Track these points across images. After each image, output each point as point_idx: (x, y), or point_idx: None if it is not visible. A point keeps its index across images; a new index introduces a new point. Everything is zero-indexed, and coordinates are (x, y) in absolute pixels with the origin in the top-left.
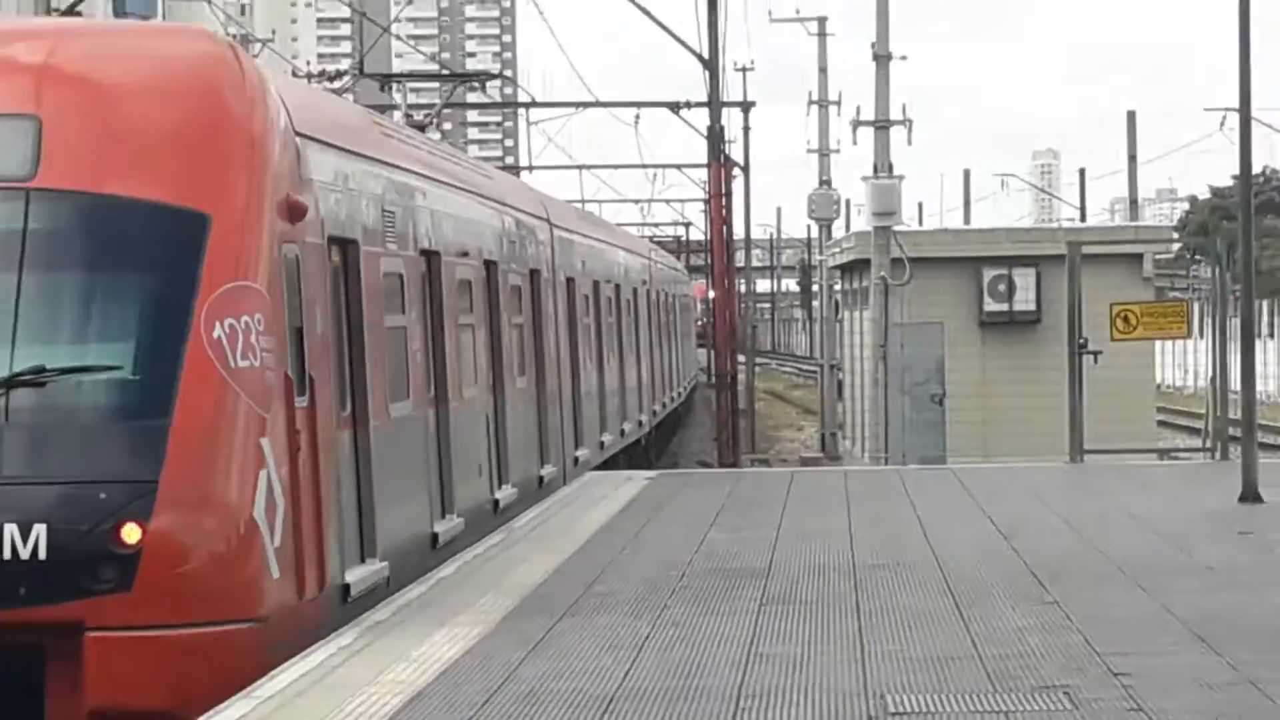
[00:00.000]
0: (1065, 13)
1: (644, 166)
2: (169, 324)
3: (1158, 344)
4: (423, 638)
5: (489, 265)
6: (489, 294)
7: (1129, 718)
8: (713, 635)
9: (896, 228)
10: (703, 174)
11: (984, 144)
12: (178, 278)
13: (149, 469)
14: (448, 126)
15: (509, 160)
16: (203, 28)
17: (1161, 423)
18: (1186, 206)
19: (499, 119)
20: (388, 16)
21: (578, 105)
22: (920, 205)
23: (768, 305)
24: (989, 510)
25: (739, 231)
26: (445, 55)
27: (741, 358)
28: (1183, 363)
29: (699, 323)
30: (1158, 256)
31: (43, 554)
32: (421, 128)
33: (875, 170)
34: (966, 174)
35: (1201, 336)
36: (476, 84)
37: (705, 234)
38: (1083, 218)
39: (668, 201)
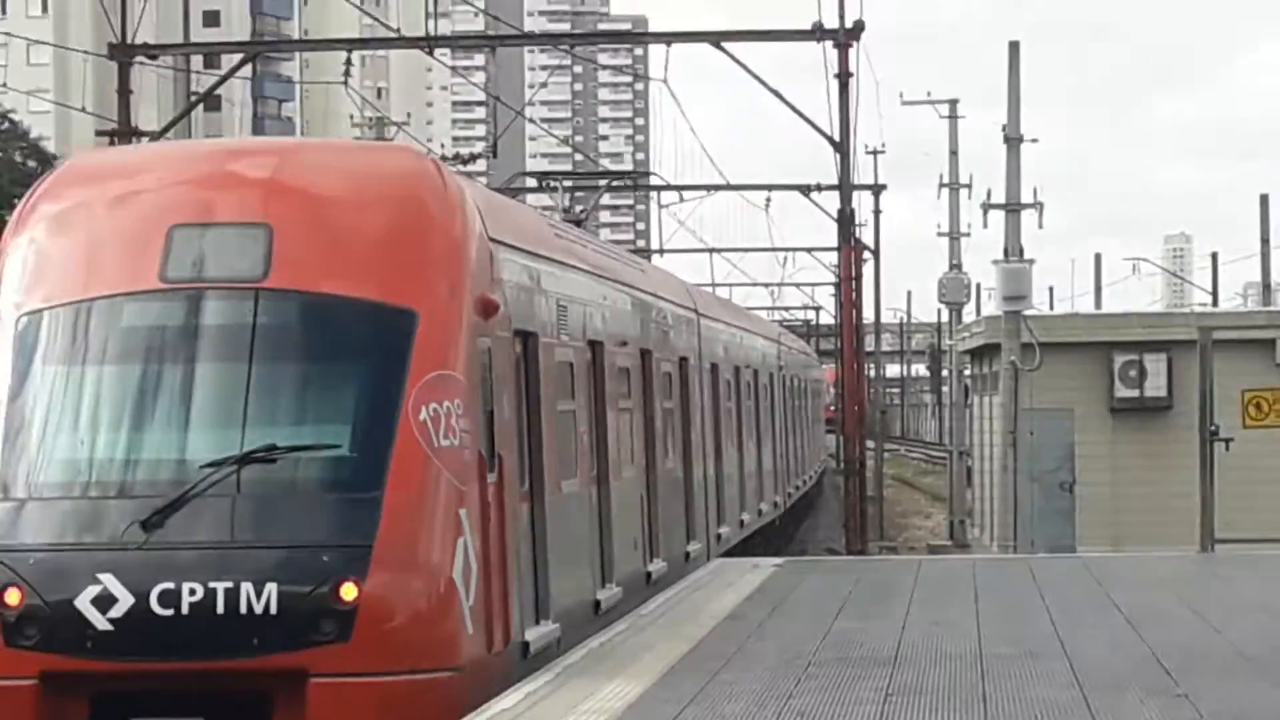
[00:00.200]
0: (1198, 94)
1: (774, 250)
2: (382, 408)
3: None
4: None
5: (644, 354)
6: (644, 380)
7: None
8: None
9: (1027, 312)
10: (833, 257)
11: (1115, 227)
12: (390, 367)
13: (364, 535)
14: (580, 209)
15: (640, 243)
16: (409, 145)
17: None
18: None
19: (631, 202)
20: (522, 99)
21: (709, 188)
22: (1051, 289)
23: (897, 390)
24: (1118, 600)
25: (869, 315)
26: (579, 138)
27: (870, 443)
28: None
29: (829, 408)
30: None
31: (273, 609)
32: (578, 222)
33: (1006, 254)
34: (1098, 258)
35: None
36: (620, 180)
37: (835, 317)
38: (1215, 302)
39: (797, 285)
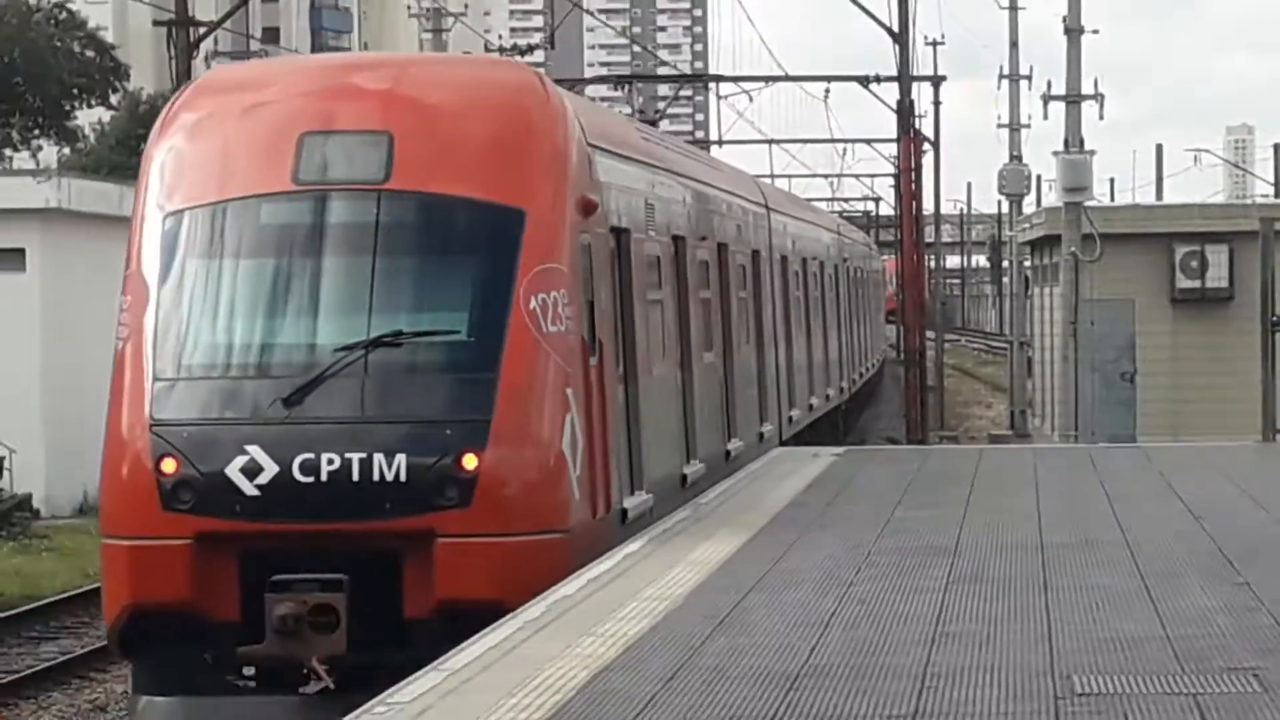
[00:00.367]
0: None
1: (833, 141)
2: (496, 297)
3: None
4: (609, 612)
5: (720, 247)
6: (721, 272)
7: None
8: (898, 613)
9: (1088, 203)
10: (892, 149)
11: (1177, 119)
12: (501, 260)
13: (483, 411)
14: (640, 100)
15: (699, 135)
16: (513, 60)
17: None
18: None
19: (690, 93)
20: None
21: (767, 79)
22: (1112, 181)
23: (957, 281)
24: (1179, 489)
25: (928, 207)
26: (636, 30)
27: (931, 334)
28: None
29: (891, 298)
30: None
31: (402, 477)
32: (652, 123)
33: (1066, 145)
34: (1159, 149)
35: None
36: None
37: (894, 209)
38: (1277, 193)
39: (857, 176)
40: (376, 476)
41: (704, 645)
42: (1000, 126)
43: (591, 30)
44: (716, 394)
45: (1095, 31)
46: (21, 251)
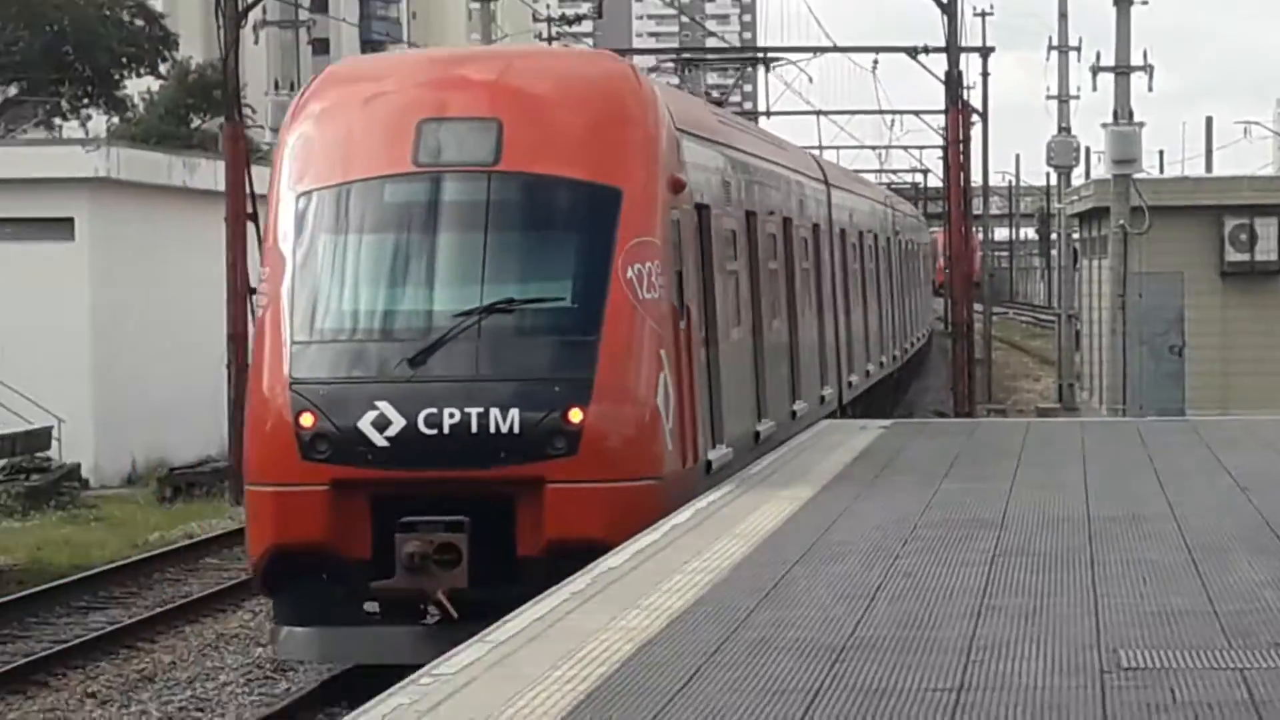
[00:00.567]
0: None
1: (881, 113)
2: (597, 268)
3: None
4: (654, 584)
5: (786, 221)
6: (786, 245)
7: None
8: (945, 586)
9: (1136, 175)
10: (940, 120)
11: (1227, 91)
12: (601, 234)
13: (587, 370)
14: (687, 71)
15: (746, 105)
16: (608, 51)
17: None
18: None
19: (737, 64)
20: None
21: (815, 50)
22: (1161, 153)
23: (1005, 253)
24: (1227, 463)
25: (976, 179)
26: (684, 0)
27: (979, 306)
28: None
29: (941, 270)
30: None
31: (516, 430)
32: (720, 103)
33: (1115, 117)
34: (1208, 121)
35: None
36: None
37: (942, 181)
38: None
39: (905, 148)
40: (493, 429)
41: (749, 618)
42: (1049, 98)
43: (640, 1)
44: (784, 358)
45: (1144, 2)
46: (70, 221)
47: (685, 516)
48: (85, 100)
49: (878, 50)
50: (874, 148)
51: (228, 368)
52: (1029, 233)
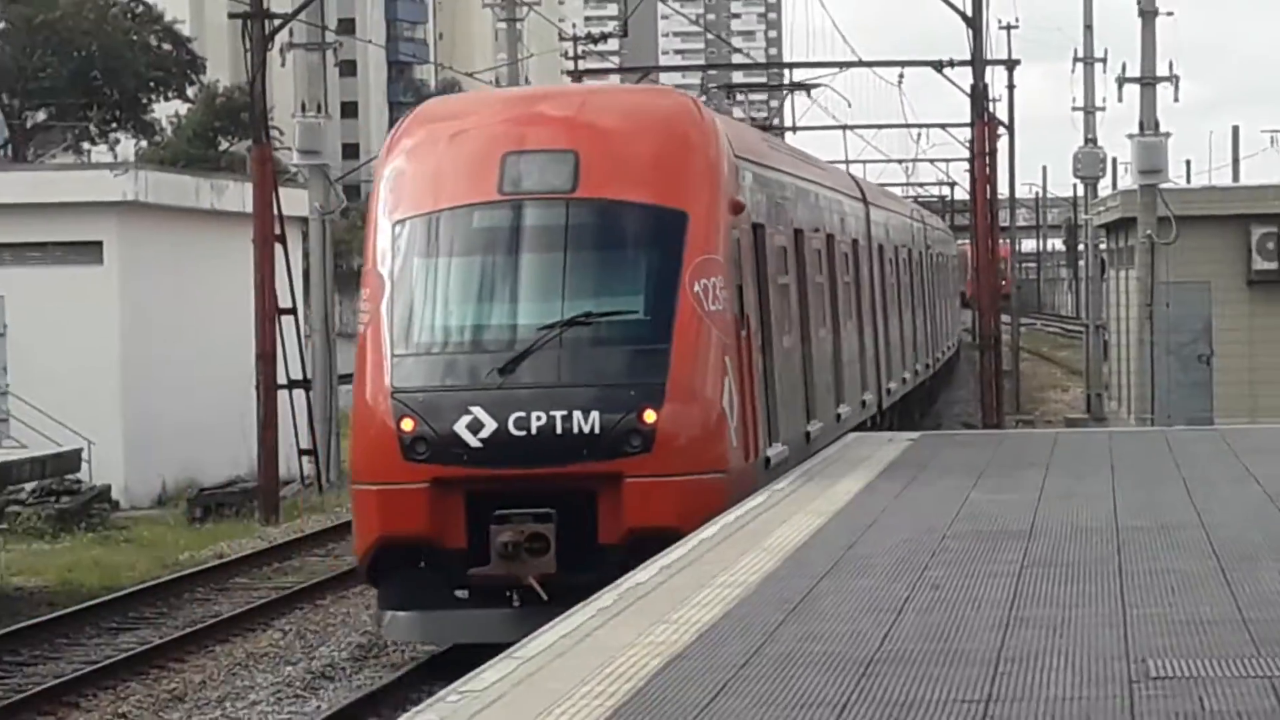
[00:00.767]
0: None
1: (907, 126)
2: (667, 283)
3: None
4: (682, 599)
5: (829, 238)
6: (830, 260)
7: None
8: (972, 598)
9: (1163, 185)
10: (967, 133)
11: (1253, 100)
12: (671, 253)
13: (659, 375)
14: (713, 87)
15: (774, 121)
16: (672, 88)
17: None
18: None
19: (763, 79)
20: None
21: (841, 65)
22: (1188, 163)
23: (1033, 265)
24: (1256, 472)
25: (1003, 191)
26: (710, 17)
27: (1006, 318)
28: None
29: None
30: None
31: (596, 430)
32: (765, 128)
33: (1141, 128)
34: (1235, 130)
35: None
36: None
37: (969, 193)
38: None
39: (931, 161)
40: (575, 430)
41: (777, 632)
42: (1075, 109)
43: (666, 18)
44: (829, 365)
45: (1170, 14)
46: (99, 244)
47: (712, 531)
48: (114, 124)
49: (903, 64)
50: (901, 161)
51: (256, 388)
52: (1056, 244)
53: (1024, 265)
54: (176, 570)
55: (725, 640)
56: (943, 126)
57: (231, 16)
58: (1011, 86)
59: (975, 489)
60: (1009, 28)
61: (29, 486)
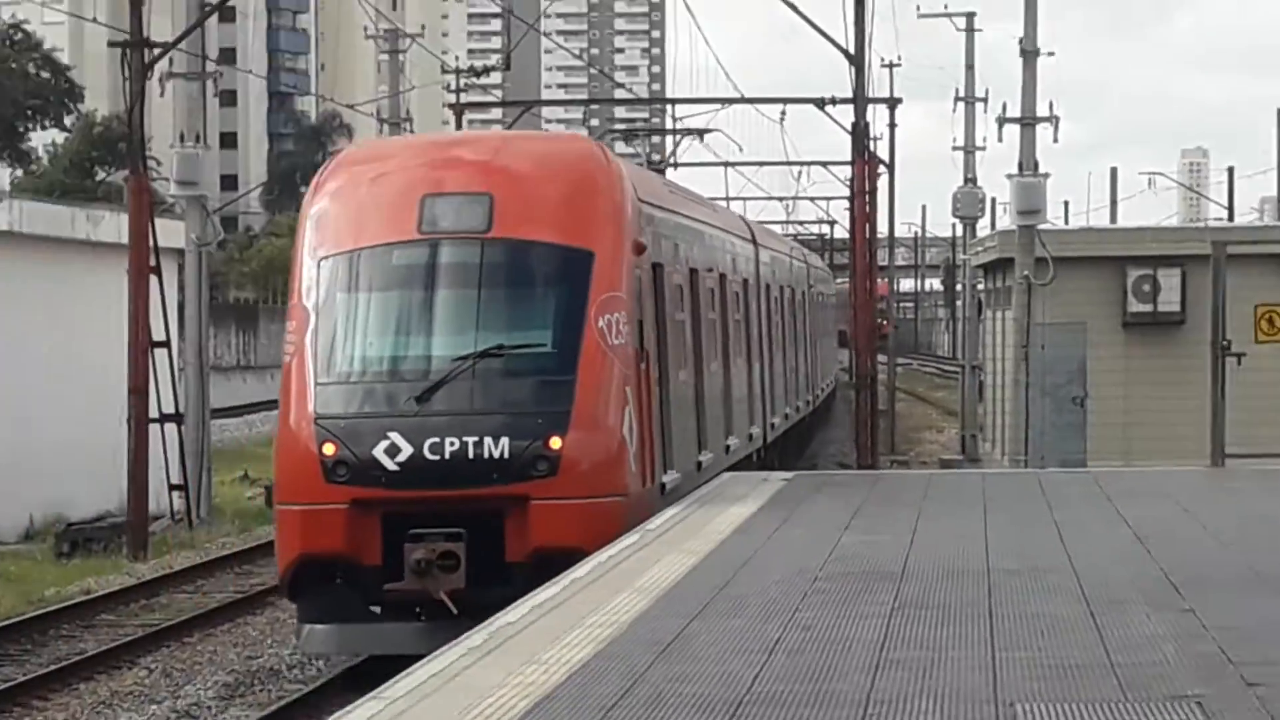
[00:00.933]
0: (1216, 6)
1: (789, 164)
2: (574, 318)
3: None
4: (553, 639)
5: (722, 278)
6: (722, 299)
7: None
8: (843, 639)
9: (1041, 226)
10: (848, 171)
11: (1132, 142)
12: (577, 290)
13: (565, 405)
14: (595, 122)
15: (654, 156)
16: (581, 135)
17: None
18: None
19: (646, 115)
20: (537, 12)
21: (723, 101)
22: (1066, 204)
23: (911, 304)
24: (1127, 514)
25: (883, 229)
26: (594, 51)
27: (883, 357)
28: None
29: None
30: None
31: (505, 455)
32: (661, 171)
33: (1020, 168)
34: (1113, 172)
35: None
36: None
37: (849, 232)
38: (1230, 217)
39: (812, 199)
40: (486, 455)
41: (647, 673)
42: (955, 149)
43: (549, 52)
44: (720, 399)
45: (1051, 54)
46: None
47: (585, 570)
48: None
49: (786, 101)
50: (782, 199)
51: (128, 422)
52: (935, 283)
53: (902, 304)
54: (42, 606)
55: (595, 681)
56: (824, 164)
57: (111, 45)
58: (893, 125)
59: (848, 530)
60: (891, 66)
61: None
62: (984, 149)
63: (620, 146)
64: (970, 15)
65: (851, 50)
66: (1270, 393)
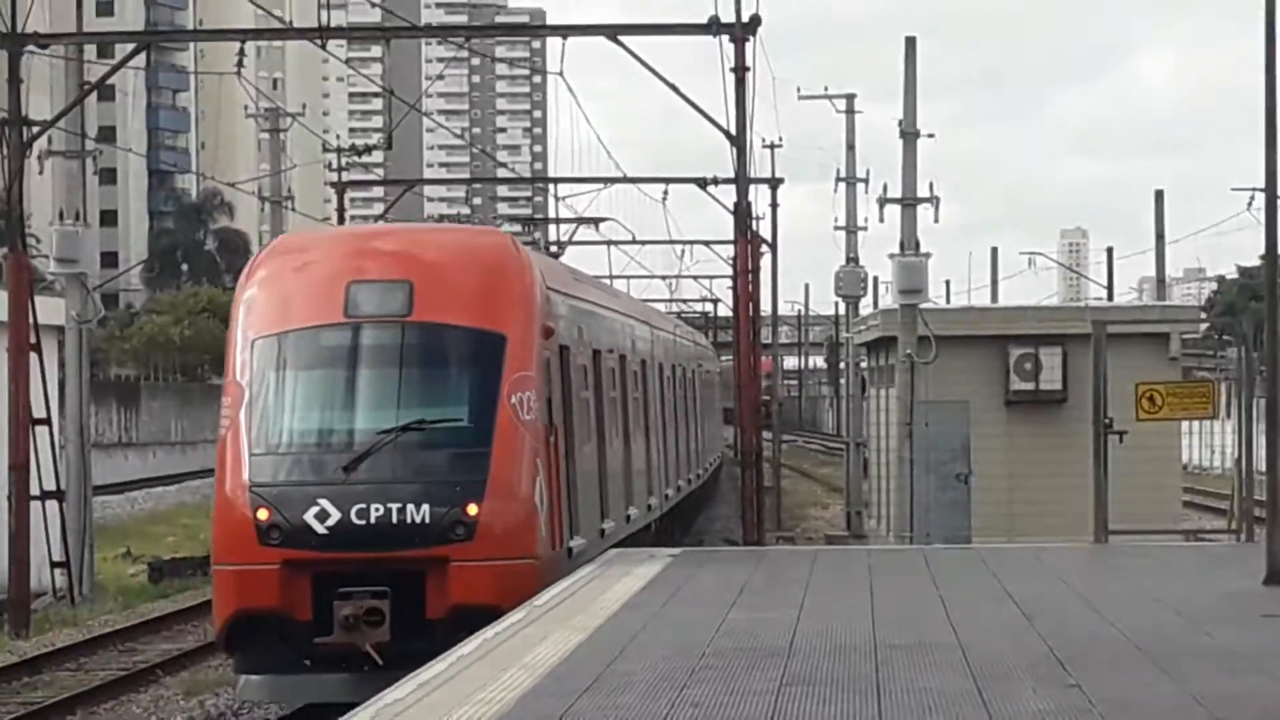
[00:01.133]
0: (1095, 90)
1: (671, 243)
2: (488, 395)
3: (1184, 424)
4: (439, 717)
5: (621, 358)
6: (622, 378)
7: None
8: (732, 717)
9: (923, 305)
10: (731, 250)
11: (1012, 222)
12: (491, 369)
13: (481, 474)
14: (478, 201)
15: (536, 235)
16: (495, 229)
17: (1187, 503)
18: (1214, 286)
19: (529, 194)
20: (419, 91)
21: (606, 181)
22: (948, 283)
23: (795, 382)
24: (1012, 590)
25: (766, 308)
26: (476, 130)
27: (768, 434)
28: (1209, 443)
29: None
30: (1185, 336)
31: (426, 520)
32: (556, 256)
33: (902, 248)
34: (994, 252)
35: (1228, 417)
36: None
37: (732, 310)
38: (1110, 296)
39: (695, 278)
40: (408, 520)
41: None
42: (837, 228)
43: (431, 131)
44: (621, 472)
45: (931, 135)
46: None
47: (472, 648)
48: None
49: (668, 181)
50: (664, 277)
51: (9, 499)
52: (818, 361)
53: (786, 382)
54: None
55: None
56: (707, 243)
57: None
58: (775, 205)
59: (736, 606)
60: (773, 146)
61: None
62: (865, 229)
63: (511, 227)
64: (850, 97)
65: (733, 131)
66: (1151, 470)
